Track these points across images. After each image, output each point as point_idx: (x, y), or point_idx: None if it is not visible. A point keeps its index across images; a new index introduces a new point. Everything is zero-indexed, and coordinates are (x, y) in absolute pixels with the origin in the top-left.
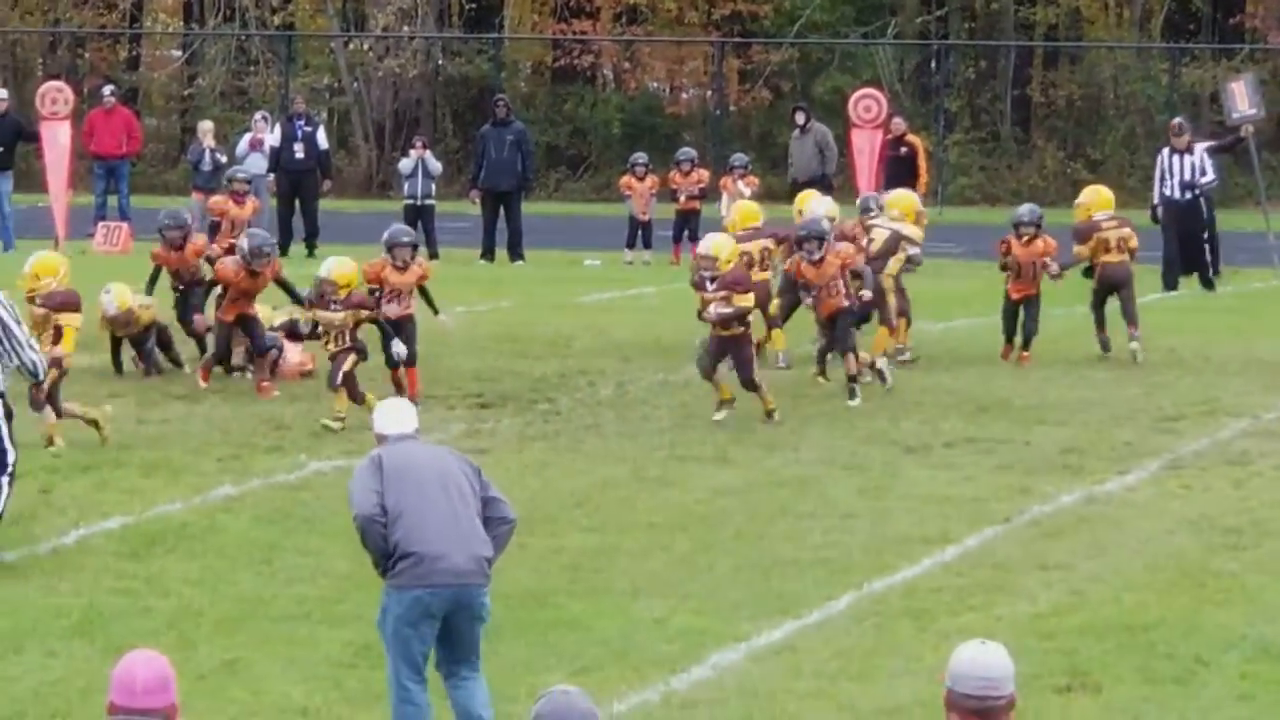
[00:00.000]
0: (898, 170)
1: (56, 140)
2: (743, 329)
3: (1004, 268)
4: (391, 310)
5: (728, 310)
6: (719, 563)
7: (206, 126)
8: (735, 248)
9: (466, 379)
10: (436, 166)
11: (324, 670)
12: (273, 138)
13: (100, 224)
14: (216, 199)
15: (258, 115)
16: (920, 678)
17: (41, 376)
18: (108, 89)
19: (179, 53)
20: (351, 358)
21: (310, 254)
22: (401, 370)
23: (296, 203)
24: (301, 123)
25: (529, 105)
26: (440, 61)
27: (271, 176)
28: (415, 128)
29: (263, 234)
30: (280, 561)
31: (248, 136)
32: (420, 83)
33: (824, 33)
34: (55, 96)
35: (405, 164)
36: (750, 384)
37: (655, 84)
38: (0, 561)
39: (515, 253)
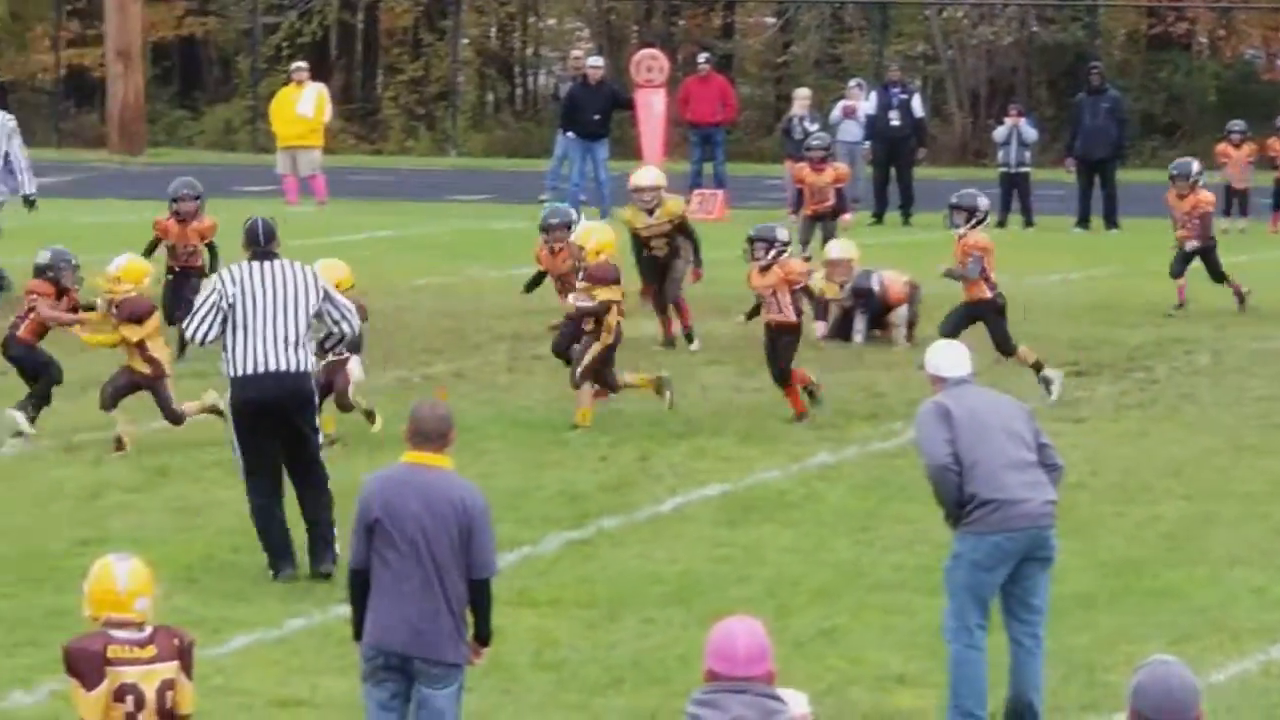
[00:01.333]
0: None
1: (652, 108)
2: (595, 324)
3: None
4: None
5: (588, 304)
6: None
7: (803, 94)
8: (605, 239)
9: (1063, 347)
10: (1031, 134)
11: (922, 639)
12: (869, 105)
13: (696, 191)
14: (797, 165)
15: (852, 83)
16: None
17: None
18: (703, 56)
19: (773, 20)
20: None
21: (905, 222)
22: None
23: (892, 171)
24: (897, 90)
25: (1123, 73)
26: (1034, 29)
27: (868, 144)
28: (1009, 95)
29: (562, 208)
30: (877, 529)
31: (841, 104)
32: (1014, 50)
33: None
34: (650, 64)
35: (1000, 132)
36: (609, 383)
37: (1251, 51)
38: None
39: (1110, 220)
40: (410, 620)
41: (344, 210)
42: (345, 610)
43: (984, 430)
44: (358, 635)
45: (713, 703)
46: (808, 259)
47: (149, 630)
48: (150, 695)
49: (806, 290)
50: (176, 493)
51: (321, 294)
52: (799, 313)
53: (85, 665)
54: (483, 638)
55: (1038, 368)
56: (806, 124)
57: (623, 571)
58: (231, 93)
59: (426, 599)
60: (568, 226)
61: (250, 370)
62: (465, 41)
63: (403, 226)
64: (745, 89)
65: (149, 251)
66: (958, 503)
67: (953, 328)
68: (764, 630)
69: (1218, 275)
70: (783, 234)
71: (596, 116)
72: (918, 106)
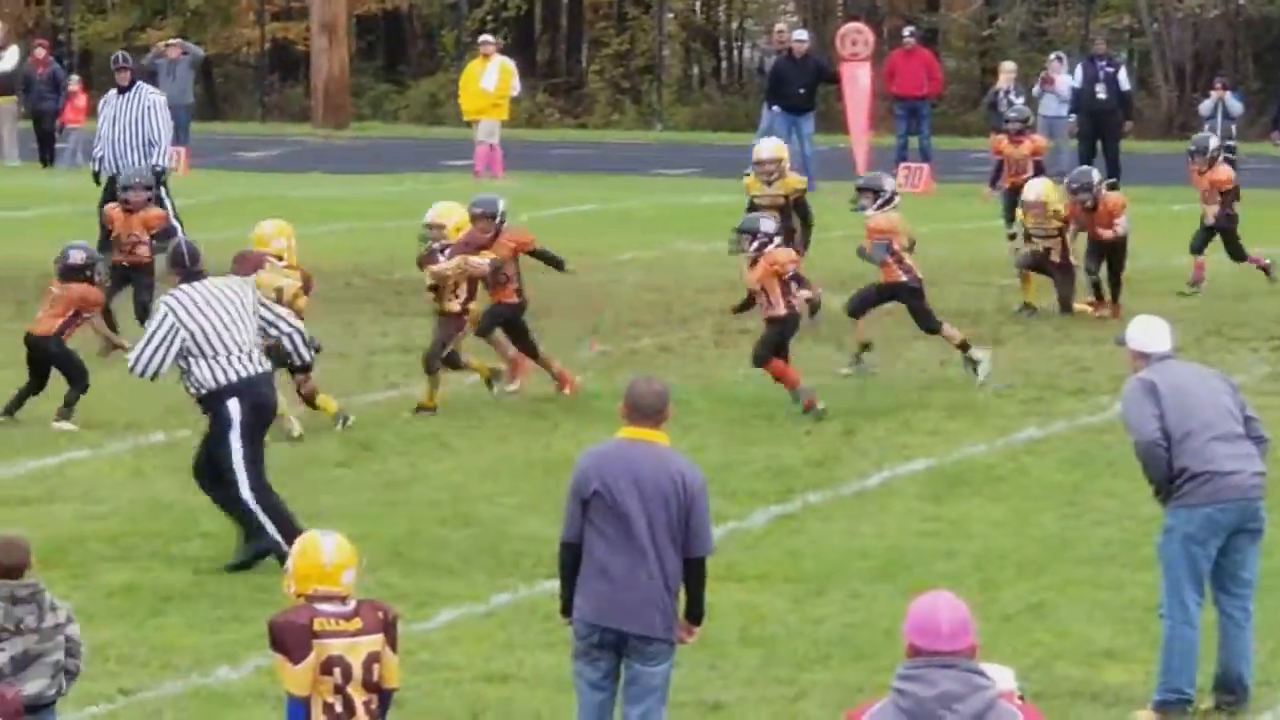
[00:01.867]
0: None
1: (857, 81)
2: (456, 313)
3: None
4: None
5: (482, 263)
6: None
7: (1008, 67)
8: (463, 217)
9: (1270, 321)
10: (1237, 108)
11: (1130, 614)
12: (1073, 79)
13: (901, 165)
14: (996, 138)
15: (1052, 56)
16: None
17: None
18: (908, 30)
19: None
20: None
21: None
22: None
23: (1098, 144)
24: (1103, 64)
25: None
26: (1241, 2)
27: (1073, 118)
28: (1215, 68)
29: (487, 196)
30: (1084, 504)
31: (1041, 77)
32: (1221, 24)
33: None
34: (855, 38)
35: (1205, 105)
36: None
37: None
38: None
39: None
40: (628, 597)
41: (549, 184)
42: (551, 585)
43: (1191, 404)
44: (566, 610)
45: (920, 677)
46: (1012, 236)
47: (354, 603)
48: (357, 668)
49: (798, 278)
50: (383, 467)
51: (256, 301)
52: (791, 303)
53: (292, 639)
54: (695, 616)
55: (964, 347)
56: (1012, 97)
57: (829, 546)
58: (436, 66)
59: (643, 575)
60: (491, 216)
61: (250, 373)
62: (670, 15)
63: (608, 200)
64: (950, 62)
65: (104, 240)
66: (1167, 478)
67: (858, 305)
68: (964, 604)
69: (1237, 254)
70: (767, 225)
71: (802, 90)
72: (1124, 79)
